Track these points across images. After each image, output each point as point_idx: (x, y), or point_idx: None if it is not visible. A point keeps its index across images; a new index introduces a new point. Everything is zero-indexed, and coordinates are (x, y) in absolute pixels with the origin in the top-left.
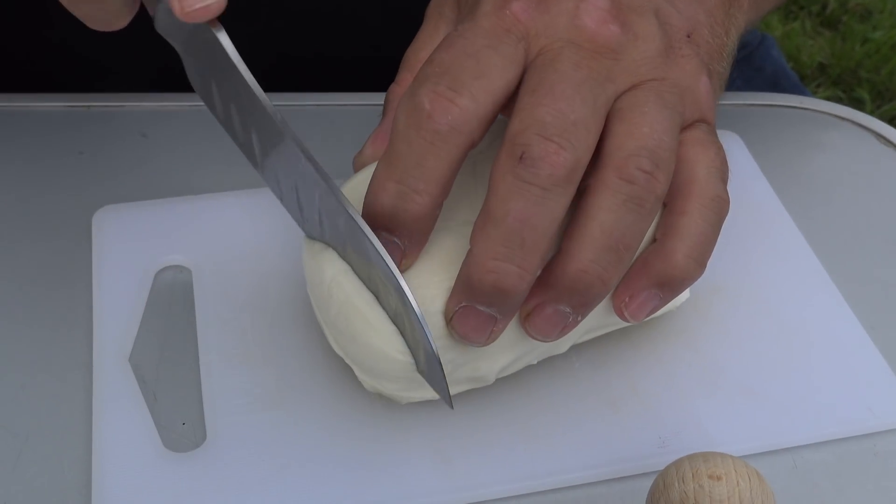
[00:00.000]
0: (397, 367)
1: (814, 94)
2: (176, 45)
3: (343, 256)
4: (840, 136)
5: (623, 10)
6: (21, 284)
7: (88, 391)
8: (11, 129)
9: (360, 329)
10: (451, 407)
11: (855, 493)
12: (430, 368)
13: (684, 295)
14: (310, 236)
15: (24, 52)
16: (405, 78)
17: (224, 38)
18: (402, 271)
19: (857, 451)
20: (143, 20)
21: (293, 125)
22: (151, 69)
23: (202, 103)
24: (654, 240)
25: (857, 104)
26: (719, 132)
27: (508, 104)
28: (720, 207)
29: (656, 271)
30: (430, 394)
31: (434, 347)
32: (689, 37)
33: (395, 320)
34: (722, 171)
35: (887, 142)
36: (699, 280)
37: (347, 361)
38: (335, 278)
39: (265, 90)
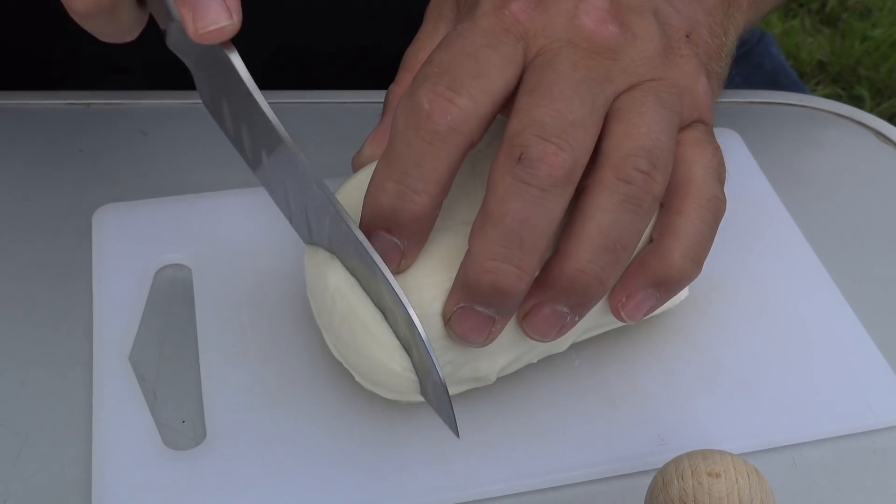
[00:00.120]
0: (402, 382)
1: (813, 91)
2: (187, 62)
3: (347, 266)
4: (839, 134)
5: (622, 10)
6: (21, 282)
7: (88, 389)
8: (11, 127)
9: (365, 342)
10: (458, 436)
11: (854, 491)
12: (438, 398)
13: (683, 293)
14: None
15: (23, 49)
16: (405, 78)
17: (236, 59)
18: (401, 271)
19: (856, 449)
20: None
21: (292, 122)
22: (151, 66)
23: (202, 101)
24: (650, 240)
25: (857, 102)
26: (718, 130)
27: (507, 104)
28: (717, 208)
29: (653, 271)
30: None
31: (442, 377)
32: (687, 37)
33: (403, 345)
34: (719, 172)
35: (886, 139)
36: (698, 278)
37: (347, 367)
38: (339, 288)
39: (263, 85)
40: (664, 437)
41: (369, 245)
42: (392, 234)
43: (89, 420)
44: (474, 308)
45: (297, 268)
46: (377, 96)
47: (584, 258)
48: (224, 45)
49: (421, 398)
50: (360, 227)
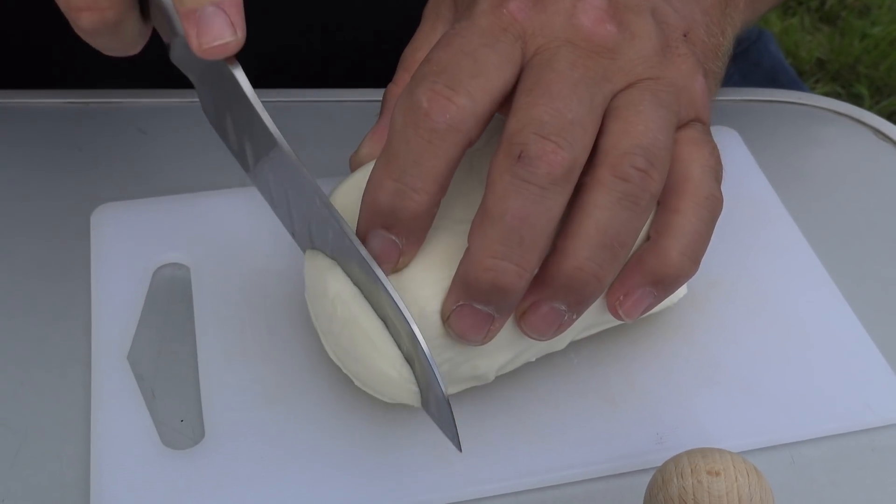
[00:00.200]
0: (402, 392)
1: (813, 89)
2: (190, 76)
3: (348, 273)
4: (837, 132)
5: (620, 9)
6: (20, 280)
7: (87, 388)
8: (10, 126)
9: (366, 351)
10: (460, 450)
11: (853, 489)
12: (441, 412)
13: (682, 290)
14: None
15: (22, 48)
16: (402, 77)
17: (240, 74)
18: (399, 269)
19: (854, 447)
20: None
21: (290, 121)
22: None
23: (205, 114)
24: (647, 238)
25: (856, 100)
26: (717, 128)
27: (505, 103)
28: (714, 206)
29: (650, 269)
30: None
31: (444, 392)
32: (685, 36)
33: (406, 357)
34: (716, 171)
35: (885, 137)
36: (697, 276)
37: (346, 372)
38: (339, 295)
39: (261, 83)
40: (663, 435)
41: (373, 261)
42: (390, 231)
43: (88, 419)
44: (473, 306)
45: (296, 267)
46: (375, 95)
47: (581, 256)
48: (228, 60)
49: (417, 403)
50: (359, 224)
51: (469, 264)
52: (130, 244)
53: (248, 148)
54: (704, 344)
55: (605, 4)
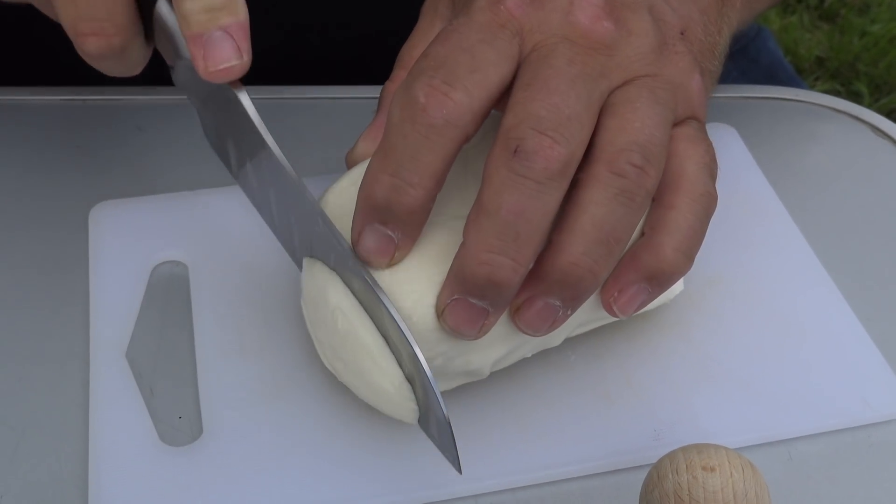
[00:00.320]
0: (402, 410)
1: (812, 87)
2: (194, 101)
3: (348, 285)
4: (836, 129)
5: (617, 6)
6: (18, 278)
7: (85, 385)
8: (8, 123)
9: (367, 366)
10: (460, 472)
11: (850, 485)
12: (441, 434)
13: (678, 287)
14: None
15: (20, 46)
16: (399, 75)
17: (245, 98)
18: (394, 264)
19: (852, 443)
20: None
21: (287, 119)
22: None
23: (207, 139)
24: (641, 234)
25: (856, 98)
26: (715, 125)
27: (502, 99)
28: (708, 203)
29: (645, 265)
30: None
31: (446, 415)
32: (682, 34)
33: (407, 377)
34: (711, 168)
35: (883, 134)
36: (694, 272)
37: (340, 380)
38: (340, 307)
39: (259, 81)
40: (659, 431)
41: (377, 284)
42: (386, 226)
43: (86, 416)
44: (468, 300)
45: (294, 265)
46: (372, 92)
47: (577, 251)
48: (232, 84)
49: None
50: (354, 219)
51: (464, 258)
52: (129, 242)
53: (250, 171)
54: (701, 341)
55: (603, 2)
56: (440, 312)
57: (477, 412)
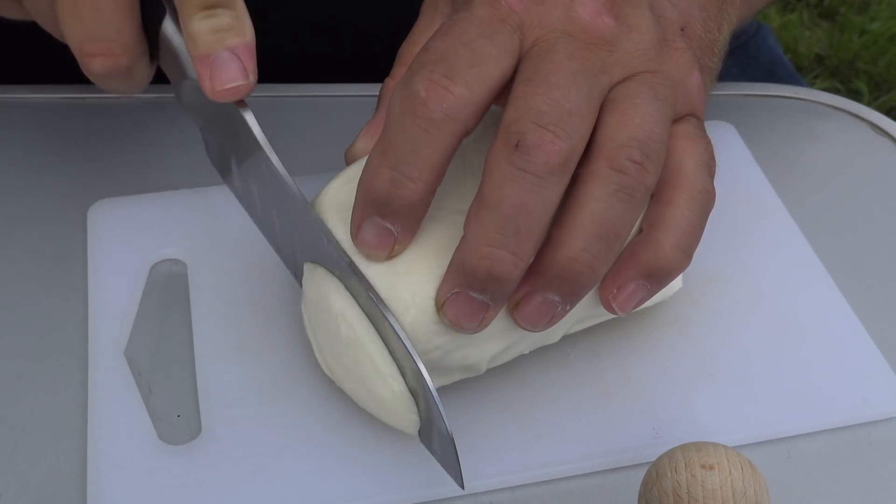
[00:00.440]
0: (403, 421)
1: (811, 85)
2: (197, 120)
3: (352, 294)
4: (835, 126)
5: (617, 2)
6: (17, 276)
7: (84, 383)
8: (8, 121)
9: (369, 375)
10: (463, 488)
11: (849, 483)
12: (444, 449)
13: (677, 283)
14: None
15: (20, 44)
16: (399, 72)
17: (250, 118)
18: (393, 256)
19: (851, 441)
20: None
21: (286, 117)
22: None
23: (209, 159)
24: (640, 231)
25: (855, 95)
26: (714, 122)
27: (502, 94)
28: (707, 200)
29: (644, 262)
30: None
31: (449, 429)
32: (682, 30)
33: (410, 391)
34: (710, 165)
35: (882, 132)
36: (693, 269)
37: (340, 387)
38: (343, 314)
39: (266, 78)
40: (658, 429)
41: (383, 303)
42: (385, 219)
43: (84, 414)
44: (468, 294)
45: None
46: (371, 90)
47: (576, 246)
48: (238, 103)
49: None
50: (354, 212)
51: (465, 252)
52: (127, 240)
53: (254, 192)
54: (700, 338)
55: None
56: (440, 306)
57: (476, 410)
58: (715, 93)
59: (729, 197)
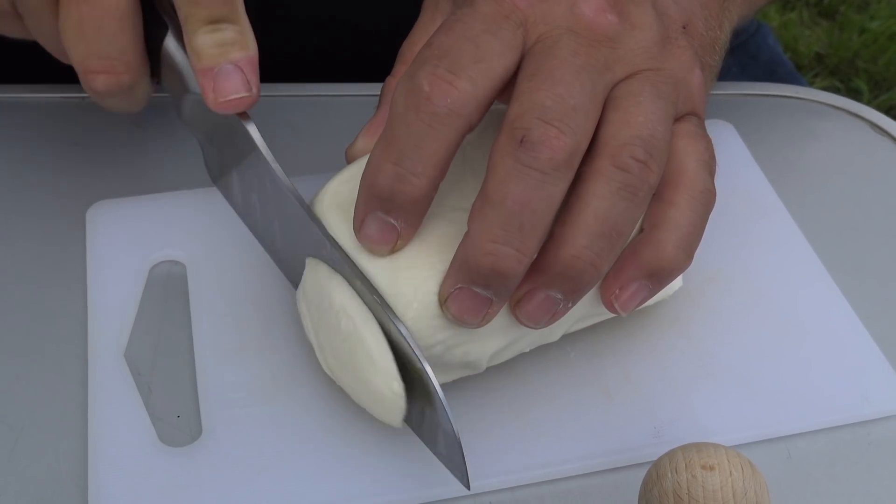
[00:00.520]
0: (392, 413)
1: (811, 84)
2: (197, 135)
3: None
4: (835, 126)
5: None
6: (16, 276)
7: (84, 384)
8: (6, 121)
9: (363, 366)
10: (469, 489)
11: (849, 482)
12: (450, 450)
13: (677, 282)
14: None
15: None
16: (401, 70)
17: (253, 130)
18: (395, 251)
19: (851, 440)
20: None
21: (286, 116)
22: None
23: (209, 174)
24: (640, 230)
25: (855, 94)
26: (712, 121)
27: (505, 90)
28: (708, 200)
29: (646, 263)
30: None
31: (456, 430)
32: (684, 28)
33: (416, 396)
34: (710, 165)
35: (882, 131)
36: (693, 269)
37: (337, 383)
38: (344, 308)
39: (270, 78)
40: (659, 429)
41: (389, 308)
42: (389, 214)
43: (84, 414)
44: (472, 290)
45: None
46: (372, 90)
47: (579, 244)
48: (241, 115)
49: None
50: (357, 207)
51: (469, 248)
52: (126, 241)
53: (255, 203)
54: (701, 338)
55: None
56: (443, 301)
57: (476, 410)
58: (714, 92)
59: (728, 196)
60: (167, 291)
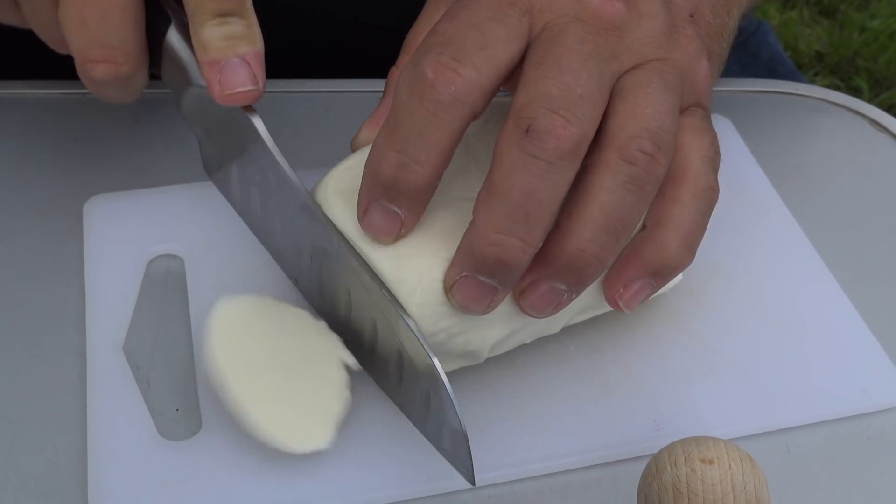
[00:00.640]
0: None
1: (812, 82)
2: (196, 130)
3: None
4: (835, 123)
5: None
6: (14, 271)
7: (82, 378)
8: (5, 117)
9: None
10: (473, 484)
11: (848, 476)
12: (455, 445)
13: (677, 277)
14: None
15: (17, 39)
16: (405, 60)
17: (259, 123)
18: (398, 239)
19: (850, 434)
20: None
21: (288, 112)
22: None
23: (205, 169)
24: (643, 227)
25: (855, 93)
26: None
27: (511, 78)
28: (711, 198)
29: (649, 260)
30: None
31: (463, 425)
32: (691, 17)
33: (420, 395)
34: (714, 161)
35: (882, 128)
36: (695, 265)
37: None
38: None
39: (275, 74)
40: (659, 422)
41: (398, 304)
42: (392, 203)
43: (83, 409)
44: (477, 278)
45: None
46: (373, 86)
47: (584, 237)
48: (246, 108)
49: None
50: (360, 195)
51: (474, 237)
52: (124, 235)
53: (256, 198)
54: (701, 333)
55: None
56: (448, 288)
57: (476, 404)
58: (715, 89)
59: (729, 192)
60: (165, 285)
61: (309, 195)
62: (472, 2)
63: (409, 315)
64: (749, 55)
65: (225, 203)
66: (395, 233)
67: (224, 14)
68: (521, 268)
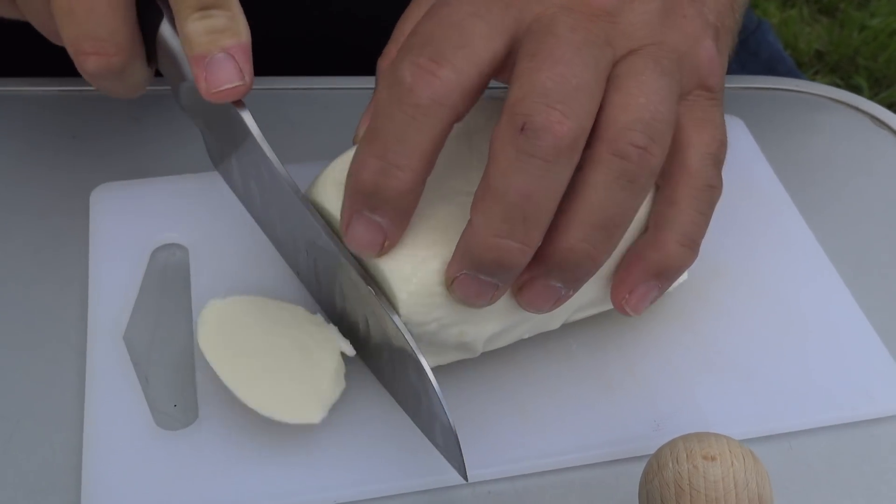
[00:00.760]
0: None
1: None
2: (197, 122)
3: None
4: (835, 120)
5: None
6: (15, 266)
7: (80, 373)
8: (6, 114)
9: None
10: (466, 480)
11: (850, 474)
12: (446, 441)
13: (682, 276)
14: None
15: (18, 37)
16: (391, 50)
17: (248, 118)
18: (383, 253)
19: (854, 436)
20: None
21: (283, 109)
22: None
23: (211, 160)
24: (646, 229)
25: (855, 91)
26: None
27: (505, 71)
28: (711, 196)
29: (652, 263)
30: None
31: (452, 423)
32: None
33: (412, 391)
34: (716, 156)
35: (882, 124)
36: (698, 264)
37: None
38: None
39: (256, 73)
40: (661, 422)
41: (384, 298)
42: (375, 213)
43: (80, 406)
44: (478, 277)
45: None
46: (369, 83)
47: (575, 237)
48: (236, 103)
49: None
50: (343, 206)
51: (472, 240)
52: (129, 225)
53: (254, 191)
54: (705, 331)
55: None
56: (449, 284)
57: (477, 400)
58: None
59: (737, 191)
60: (168, 275)
61: (299, 191)
62: None
63: (396, 312)
64: (749, 54)
65: (231, 194)
66: (378, 246)
67: (206, 7)
68: (521, 267)
